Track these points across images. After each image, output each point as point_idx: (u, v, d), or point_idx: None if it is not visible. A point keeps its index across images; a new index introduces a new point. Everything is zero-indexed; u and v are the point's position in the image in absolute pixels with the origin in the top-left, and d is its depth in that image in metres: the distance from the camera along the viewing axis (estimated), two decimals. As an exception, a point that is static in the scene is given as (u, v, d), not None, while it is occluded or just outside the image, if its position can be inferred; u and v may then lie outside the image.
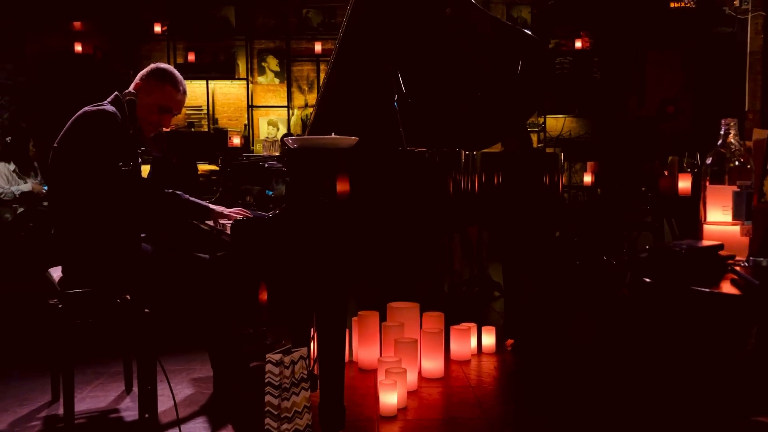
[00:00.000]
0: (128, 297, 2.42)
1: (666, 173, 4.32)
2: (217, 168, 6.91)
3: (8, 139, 6.31)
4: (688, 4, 7.40)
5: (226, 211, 2.69)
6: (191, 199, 2.68)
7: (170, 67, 2.71)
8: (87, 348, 3.31)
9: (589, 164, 6.38)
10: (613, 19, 7.65)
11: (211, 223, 2.73)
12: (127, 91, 2.30)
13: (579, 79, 7.61)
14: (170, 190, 2.63)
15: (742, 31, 7.26)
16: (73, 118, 2.52)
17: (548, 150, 7.54)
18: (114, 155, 2.34)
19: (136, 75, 2.71)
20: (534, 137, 7.71)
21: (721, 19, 7.30)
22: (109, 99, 2.60)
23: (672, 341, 1.34)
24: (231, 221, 2.38)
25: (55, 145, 2.52)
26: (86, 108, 2.52)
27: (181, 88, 2.70)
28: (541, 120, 7.68)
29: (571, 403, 2.83)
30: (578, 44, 7.63)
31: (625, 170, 5.76)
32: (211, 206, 2.71)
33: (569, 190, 7.56)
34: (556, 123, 7.76)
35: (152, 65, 2.69)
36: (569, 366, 3.30)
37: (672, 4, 7.45)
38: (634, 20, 7.58)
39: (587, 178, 6.41)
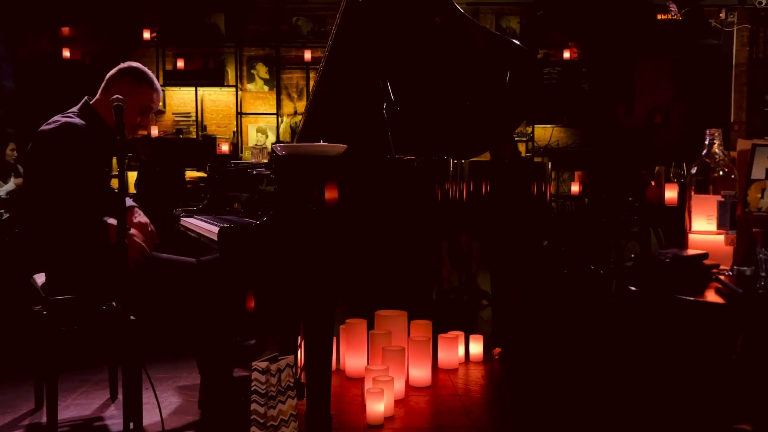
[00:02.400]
0: (114, 304, 2.41)
1: (653, 183, 4.35)
2: (205, 175, 6.89)
3: None
4: (675, 16, 7.46)
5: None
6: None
7: (142, 66, 2.66)
8: (71, 355, 3.28)
9: (577, 174, 6.41)
10: (602, 31, 7.71)
11: (195, 230, 2.74)
12: (115, 96, 2.27)
13: (567, 89, 7.66)
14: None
15: (728, 43, 7.35)
16: (39, 130, 2.50)
17: (536, 159, 7.57)
18: (80, 166, 2.33)
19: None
20: (522, 147, 7.75)
21: (708, 31, 7.39)
22: (77, 106, 2.58)
23: (658, 349, 1.34)
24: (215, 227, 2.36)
25: (26, 155, 2.50)
26: (52, 119, 2.50)
27: (156, 86, 2.66)
28: (530, 130, 7.72)
29: (559, 411, 2.83)
30: (567, 55, 7.68)
31: (613, 180, 5.79)
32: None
33: (557, 199, 7.59)
34: (545, 133, 7.80)
35: (122, 66, 2.62)
36: (557, 374, 3.30)
37: (659, 16, 7.51)
38: (622, 32, 7.64)
39: (575, 188, 6.44)
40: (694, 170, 1.57)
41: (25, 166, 2.50)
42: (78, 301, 2.42)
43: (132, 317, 2.35)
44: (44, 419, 2.58)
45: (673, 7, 7.18)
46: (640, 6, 7.45)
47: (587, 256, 5.39)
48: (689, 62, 7.81)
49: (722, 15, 7.29)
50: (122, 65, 2.64)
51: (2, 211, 5.91)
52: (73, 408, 2.84)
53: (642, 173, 4.63)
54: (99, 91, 2.63)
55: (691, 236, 1.51)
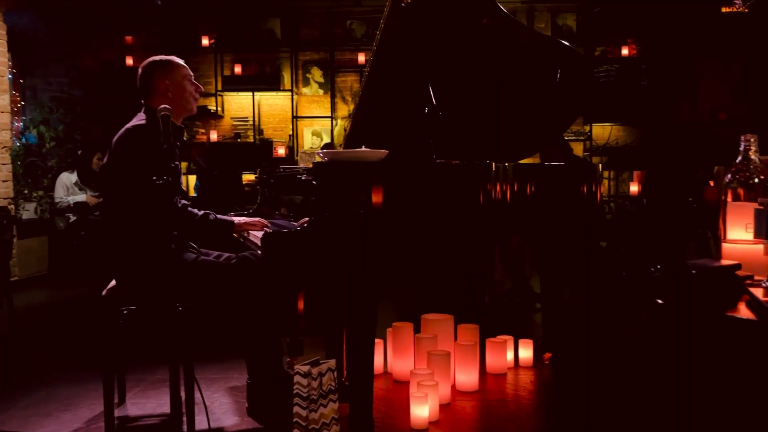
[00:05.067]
0: (178, 307, 2.46)
1: (711, 183, 4.21)
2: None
3: (79, 152, 6.56)
4: (740, 9, 7.19)
5: (245, 221, 2.78)
6: (219, 217, 2.73)
7: (155, 56, 2.75)
8: (129, 355, 3.40)
9: (636, 174, 6.26)
10: (662, 26, 7.49)
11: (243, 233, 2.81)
12: (163, 106, 2.35)
13: (626, 86, 7.47)
14: (201, 212, 2.66)
15: (797, 35, 7.04)
16: (115, 137, 2.60)
17: (594, 159, 7.42)
18: (154, 167, 2.40)
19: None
20: (579, 146, 7.60)
21: (775, 23, 7.09)
22: (142, 110, 2.69)
23: (696, 365, 1.29)
24: (261, 232, 2.42)
25: (103, 164, 2.62)
26: (126, 126, 2.60)
27: (174, 56, 2.78)
28: (587, 128, 7.56)
29: (611, 420, 2.77)
30: (625, 51, 7.50)
31: (673, 180, 5.63)
32: (235, 219, 2.79)
33: (616, 199, 7.42)
34: (603, 131, 7.63)
35: (145, 65, 2.71)
36: (609, 382, 3.22)
37: (723, 9, 7.24)
38: (683, 26, 7.41)
39: (634, 188, 6.29)
40: (728, 177, 1.51)
41: (102, 172, 2.61)
42: (142, 305, 2.51)
43: (190, 319, 2.41)
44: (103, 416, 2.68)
45: (738, 0, 6.92)
46: (703, -1, 7.21)
47: (647, 258, 5.25)
48: (755, 56, 7.51)
49: (791, 6, 6.97)
50: (147, 65, 2.71)
51: (69, 214, 6.17)
52: (130, 406, 2.94)
53: (699, 173, 4.48)
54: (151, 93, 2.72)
55: (724, 246, 1.45)
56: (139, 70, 2.72)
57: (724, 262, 1.37)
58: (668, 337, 1.21)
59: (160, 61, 2.72)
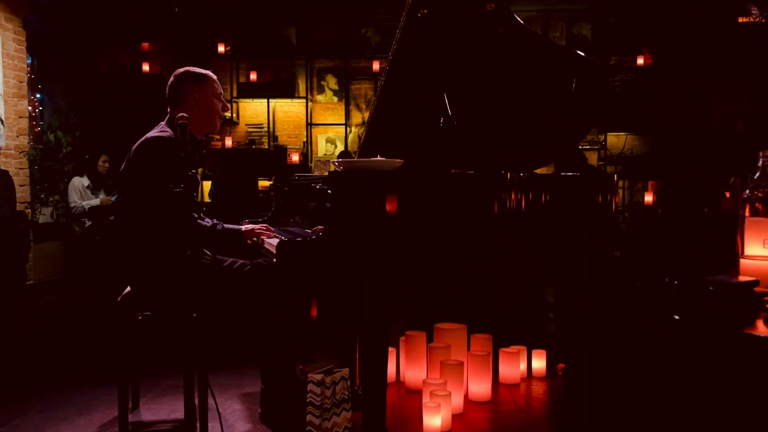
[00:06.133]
0: (193, 314, 2.47)
1: (728, 194, 4.18)
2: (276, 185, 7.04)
3: (87, 156, 6.62)
4: (758, 19, 7.15)
5: (256, 228, 2.79)
6: (226, 227, 2.74)
7: (190, 68, 2.76)
8: (143, 362, 3.42)
9: (650, 183, 6.22)
10: (677, 35, 7.46)
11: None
12: (180, 115, 2.36)
13: (641, 96, 7.43)
14: (209, 224, 2.67)
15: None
16: (135, 145, 2.61)
17: (609, 168, 7.38)
18: (171, 179, 2.40)
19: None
20: (594, 155, 7.57)
21: (793, 33, 7.04)
22: (165, 119, 2.70)
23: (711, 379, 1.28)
24: (275, 239, 2.42)
25: (120, 171, 2.62)
26: (147, 135, 2.61)
27: (209, 70, 2.79)
28: (602, 137, 7.53)
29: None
30: (640, 61, 7.46)
31: (688, 190, 5.60)
32: (242, 228, 2.79)
33: (630, 209, 7.37)
34: (618, 140, 7.59)
35: (178, 75, 2.72)
36: (622, 395, 3.20)
37: (740, 19, 7.21)
38: (698, 36, 7.37)
39: (648, 198, 6.27)
40: (746, 193, 1.51)
41: (119, 179, 2.63)
42: (156, 312, 2.52)
43: (204, 326, 2.43)
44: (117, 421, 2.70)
45: (755, 10, 6.89)
46: (720, 9, 7.17)
47: (662, 268, 5.22)
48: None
49: (809, 16, 6.93)
50: (179, 74, 2.73)
51: (84, 219, 6.22)
52: (144, 411, 2.96)
53: (715, 183, 4.45)
54: (179, 103, 2.71)
55: (742, 261, 1.44)
56: (171, 78, 2.72)
57: (742, 278, 1.37)
58: (683, 353, 1.21)
59: (196, 73, 2.72)
